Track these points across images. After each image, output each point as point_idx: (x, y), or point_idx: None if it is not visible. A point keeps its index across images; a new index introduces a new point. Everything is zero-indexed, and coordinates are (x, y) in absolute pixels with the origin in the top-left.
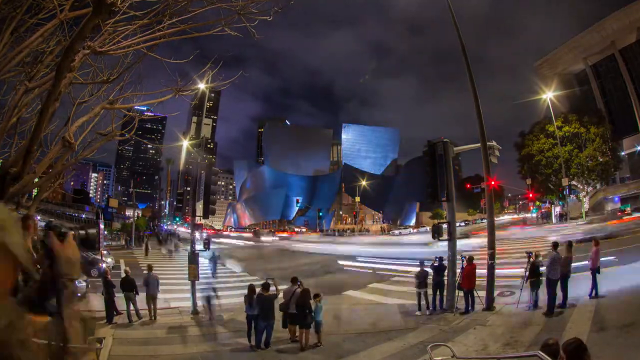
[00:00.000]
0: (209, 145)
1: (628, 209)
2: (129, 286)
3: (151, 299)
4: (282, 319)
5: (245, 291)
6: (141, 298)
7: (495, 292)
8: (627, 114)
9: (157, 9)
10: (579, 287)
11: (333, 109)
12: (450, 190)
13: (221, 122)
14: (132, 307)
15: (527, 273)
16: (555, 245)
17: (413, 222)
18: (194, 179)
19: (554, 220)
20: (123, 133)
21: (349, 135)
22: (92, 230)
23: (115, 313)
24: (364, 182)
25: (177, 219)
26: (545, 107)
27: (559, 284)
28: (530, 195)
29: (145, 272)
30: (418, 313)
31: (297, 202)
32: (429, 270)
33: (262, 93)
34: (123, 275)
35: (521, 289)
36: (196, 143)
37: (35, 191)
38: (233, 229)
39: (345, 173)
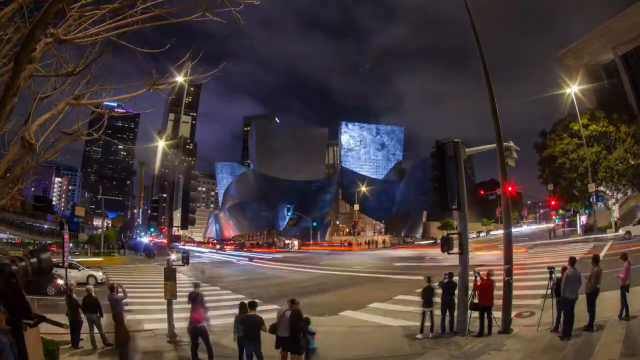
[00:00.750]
0: (187, 146)
1: None
2: (92, 307)
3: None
4: (275, 340)
5: (236, 310)
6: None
7: (513, 313)
8: None
9: None
10: (606, 306)
11: (331, 109)
12: (462, 197)
13: (202, 121)
14: (96, 331)
15: (550, 291)
16: (572, 260)
17: (419, 233)
18: (170, 184)
19: (579, 231)
20: (90, 132)
21: (347, 134)
22: (45, 255)
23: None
24: (363, 188)
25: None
26: (569, 102)
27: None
28: (553, 202)
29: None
30: (419, 336)
31: (288, 210)
32: (437, 287)
33: (250, 90)
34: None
35: (542, 309)
36: (173, 143)
37: None
38: (215, 241)
39: (342, 178)
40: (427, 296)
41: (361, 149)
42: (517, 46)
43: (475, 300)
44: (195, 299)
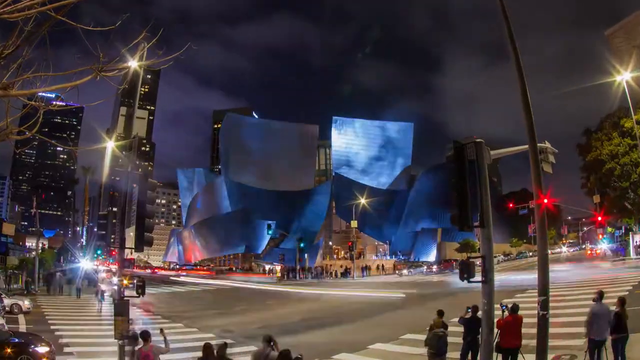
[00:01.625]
0: (143, 148)
1: None
2: None
3: None
4: None
5: (199, 353)
6: None
7: (550, 356)
8: None
9: None
10: None
11: (323, 105)
12: (486, 211)
13: (162, 118)
14: None
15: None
16: (600, 295)
17: (432, 256)
18: (122, 195)
19: (632, 254)
20: (22, 130)
21: (342, 133)
22: None
23: None
24: (363, 200)
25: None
26: (619, 93)
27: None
28: (599, 218)
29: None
30: None
31: (269, 228)
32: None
33: (224, 82)
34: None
35: (586, 352)
36: (126, 144)
37: None
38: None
39: (336, 187)
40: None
41: (359, 152)
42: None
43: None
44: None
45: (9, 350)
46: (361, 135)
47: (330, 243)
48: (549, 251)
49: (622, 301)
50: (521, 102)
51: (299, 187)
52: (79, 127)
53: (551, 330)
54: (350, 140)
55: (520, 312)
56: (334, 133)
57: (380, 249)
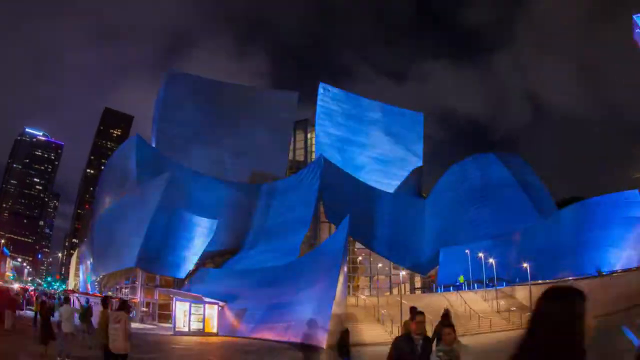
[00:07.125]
0: None
1: None
2: None
3: None
4: None
5: None
6: None
7: None
8: None
9: None
10: None
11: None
12: None
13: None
14: None
15: None
16: None
17: None
18: None
19: None
20: None
21: (330, 105)
22: None
23: None
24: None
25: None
26: None
27: None
28: None
29: None
30: None
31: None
32: None
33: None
34: None
35: None
36: None
37: None
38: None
39: (327, 179)
40: None
41: (354, 138)
42: None
43: None
44: None
45: None
46: (356, 116)
47: None
48: None
49: None
50: None
51: (263, 177)
52: None
53: None
54: (343, 118)
55: None
56: (321, 104)
57: (397, 275)
